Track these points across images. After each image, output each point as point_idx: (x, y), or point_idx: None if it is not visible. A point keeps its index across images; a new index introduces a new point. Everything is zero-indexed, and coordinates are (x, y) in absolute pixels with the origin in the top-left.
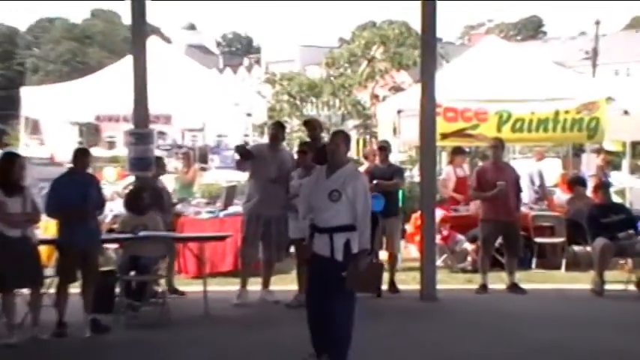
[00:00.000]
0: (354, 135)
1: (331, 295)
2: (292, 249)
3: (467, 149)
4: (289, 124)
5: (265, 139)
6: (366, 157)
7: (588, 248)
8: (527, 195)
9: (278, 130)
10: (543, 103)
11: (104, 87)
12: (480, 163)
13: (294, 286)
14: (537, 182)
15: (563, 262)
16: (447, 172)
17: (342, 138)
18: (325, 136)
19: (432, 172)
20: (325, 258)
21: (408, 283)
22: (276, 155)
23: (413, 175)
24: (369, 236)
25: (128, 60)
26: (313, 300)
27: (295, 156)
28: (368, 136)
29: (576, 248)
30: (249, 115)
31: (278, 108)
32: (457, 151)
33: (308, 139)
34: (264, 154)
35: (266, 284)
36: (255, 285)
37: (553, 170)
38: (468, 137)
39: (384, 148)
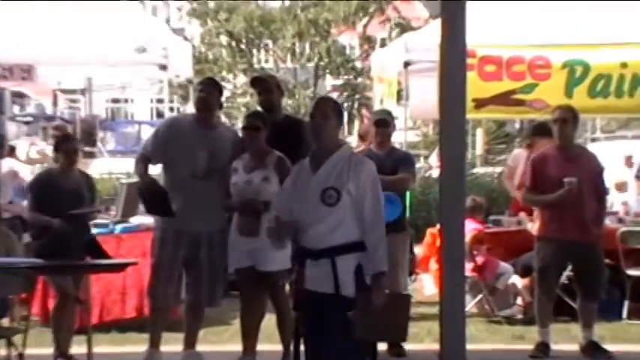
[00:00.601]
0: None
1: (339, 354)
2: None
3: (515, 124)
4: (230, 83)
5: (190, 108)
6: (362, 138)
7: None
8: (616, 198)
9: (210, 92)
10: None
11: None
12: None
13: (236, 346)
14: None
15: None
16: (516, 157)
17: (330, 106)
18: (290, 103)
19: (460, 161)
20: (326, 296)
21: (421, 339)
22: (206, 134)
23: (428, 165)
24: (385, 252)
25: None
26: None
27: (240, 135)
28: (356, 104)
29: None
30: (163, 68)
31: (211, 57)
32: (540, 130)
33: (259, 108)
34: (187, 132)
35: (191, 342)
36: (172, 344)
37: None
38: (517, 105)
39: (383, 124)
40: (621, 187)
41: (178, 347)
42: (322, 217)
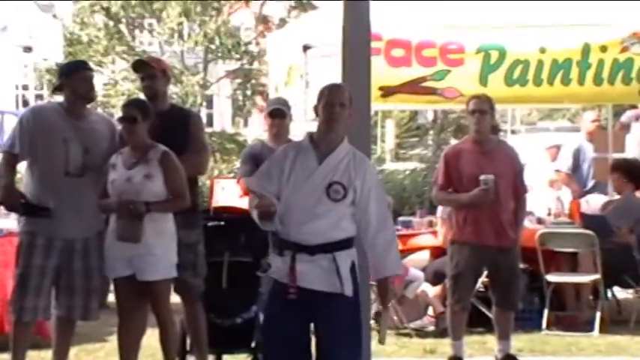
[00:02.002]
0: (228, 89)
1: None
2: (111, 296)
3: (429, 115)
4: (106, 68)
5: (60, 97)
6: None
7: None
8: (541, 197)
9: (84, 78)
10: (564, 31)
11: None
12: (453, 142)
13: None
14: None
15: (597, 317)
16: None
17: (347, 96)
18: (176, 91)
19: (365, 156)
20: (326, 295)
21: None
22: (79, 126)
23: None
24: (398, 254)
25: None
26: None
27: (118, 127)
28: (249, 92)
29: (620, 293)
30: (27, 50)
31: (85, 38)
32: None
33: (141, 96)
34: (57, 123)
35: None
36: None
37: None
38: (428, 94)
39: (278, 114)
40: (553, 184)
41: None
42: (324, 212)
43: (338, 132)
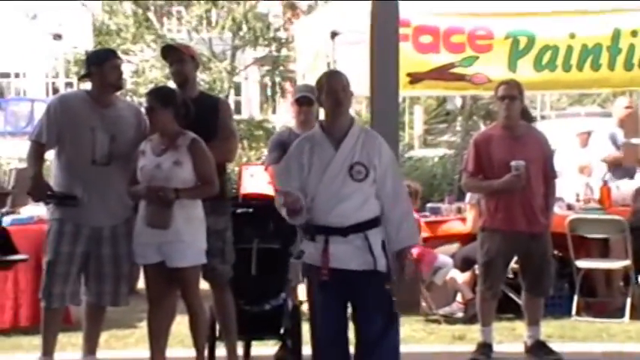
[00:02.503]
0: (256, 76)
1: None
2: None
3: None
4: (134, 56)
5: (87, 85)
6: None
7: None
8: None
9: (114, 67)
10: (593, 17)
11: None
12: (482, 128)
13: (143, 351)
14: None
15: (628, 303)
16: None
17: (346, 80)
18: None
19: (393, 143)
20: (362, 273)
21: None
22: (105, 114)
23: None
24: (414, 225)
25: None
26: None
27: (146, 115)
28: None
29: None
30: (57, 38)
31: (113, 27)
32: None
33: (170, 84)
34: (83, 112)
35: (91, 347)
36: (71, 349)
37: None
38: (456, 80)
39: (306, 102)
40: (584, 170)
41: (76, 353)
42: (350, 194)
43: (346, 115)
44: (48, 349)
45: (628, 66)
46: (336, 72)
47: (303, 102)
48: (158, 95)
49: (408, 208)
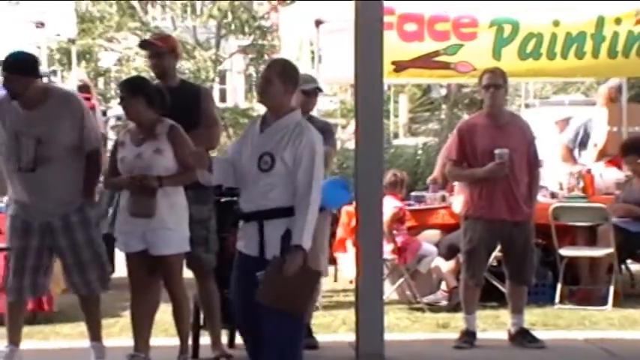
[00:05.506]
0: (241, 65)
1: (267, 316)
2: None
3: (442, 89)
4: (119, 44)
5: (74, 74)
6: None
7: None
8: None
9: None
10: (577, 4)
11: None
12: (465, 116)
13: (127, 340)
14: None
15: (611, 291)
16: None
17: (277, 70)
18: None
19: (378, 131)
20: (252, 259)
21: (335, 329)
22: (32, 117)
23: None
24: (307, 227)
25: None
26: (246, 324)
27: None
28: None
29: (634, 266)
30: (40, 26)
31: (97, 14)
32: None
33: (152, 73)
34: (8, 117)
35: (94, 335)
36: (53, 337)
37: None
38: (441, 68)
39: (315, 94)
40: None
41: (63, 342)
42: (255, 181)
43: (272, 103)
44: (12, 339)
45: (612, 54)
46: (273, 61)
47: (312, 94)
48: (127, 86)
49: (309, 208)
